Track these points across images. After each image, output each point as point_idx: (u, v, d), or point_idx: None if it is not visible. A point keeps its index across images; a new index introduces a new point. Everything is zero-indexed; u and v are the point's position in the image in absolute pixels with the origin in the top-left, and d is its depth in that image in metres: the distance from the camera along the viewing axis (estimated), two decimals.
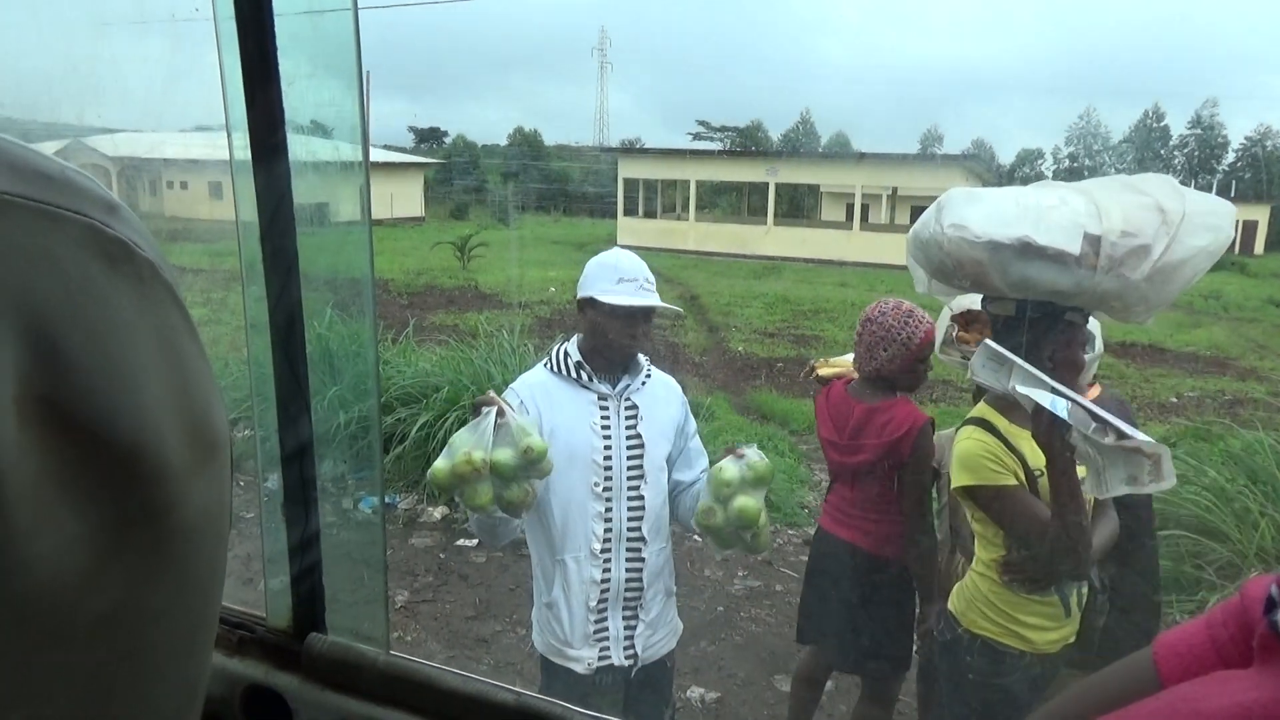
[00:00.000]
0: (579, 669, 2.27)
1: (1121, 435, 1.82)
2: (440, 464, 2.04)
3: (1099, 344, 2.62)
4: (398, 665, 0.95)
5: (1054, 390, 1.88)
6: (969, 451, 2.14)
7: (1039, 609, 2.17)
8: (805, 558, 3.38)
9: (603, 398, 2.28)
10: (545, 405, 2.23)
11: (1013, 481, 2.09)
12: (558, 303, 15.08)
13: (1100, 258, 1.98)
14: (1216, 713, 0.55)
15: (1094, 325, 2.64)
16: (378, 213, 30.46)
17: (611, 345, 2.26)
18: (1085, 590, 2.19)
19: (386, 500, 5.39)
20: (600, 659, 2.28)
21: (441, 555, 5.08)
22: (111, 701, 0.31)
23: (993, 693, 2.24)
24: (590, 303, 2.24)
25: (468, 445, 2.01)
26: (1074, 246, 1.99)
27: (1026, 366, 1.91)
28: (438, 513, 5.48)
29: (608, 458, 2.25)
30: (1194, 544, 4.49)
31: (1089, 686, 0.83)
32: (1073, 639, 2.21)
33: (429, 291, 15.76)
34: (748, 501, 2.11)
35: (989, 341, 1.97)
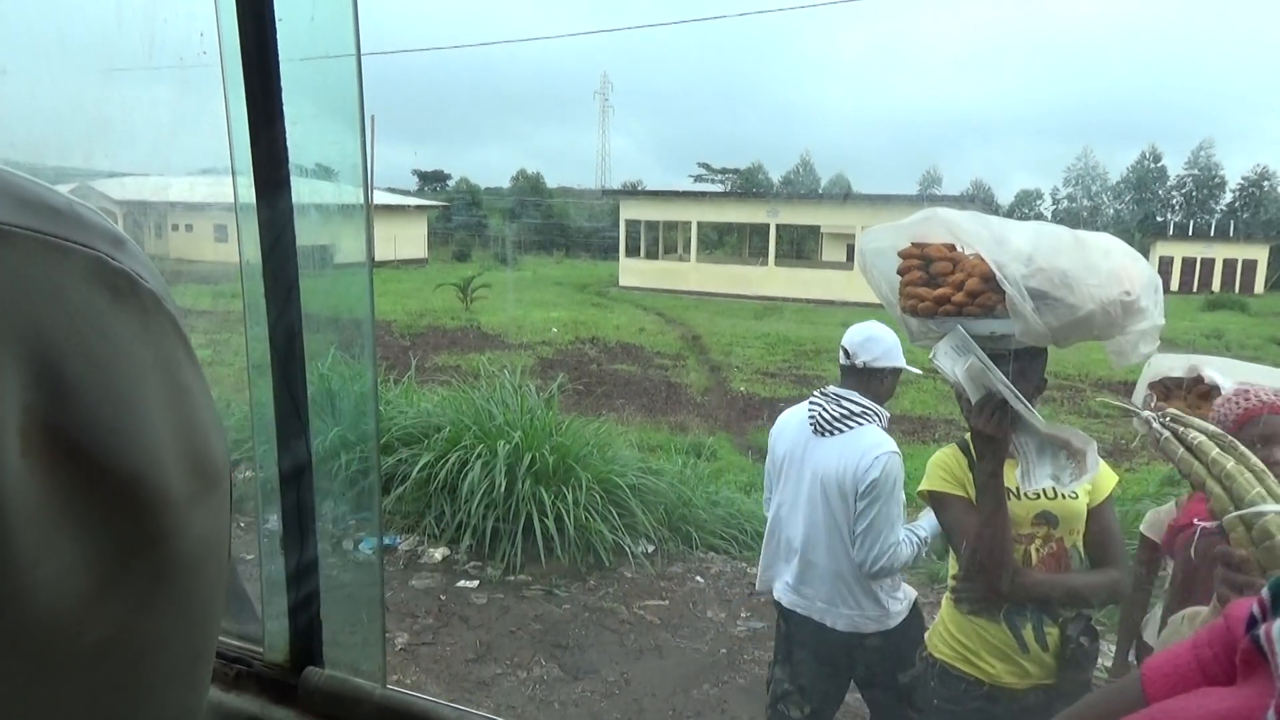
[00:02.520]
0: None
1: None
2: None
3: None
4: (394, 699, 0.95)
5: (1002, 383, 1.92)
6: (931, 460, 2.34)
7: (988, 636, 2.17)
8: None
9: None
10: None
11: (957, 492, 2.22)
12: (559, 343, 15.09)
13: None
14: None
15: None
16: (382, 254, 30.59)
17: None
18: (1050, 630, 2.14)
19: (387, 541, 5.35)
20: None
21: (442, 597, 5.04)
22: None
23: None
24: (897, 372, 2.80)
25: None
26: None
27: (984, 360, 1.92)
28: (438, 554, 5.43)
29: None
30: None
31: (1077, 711, 0.83)
32: (1050, 682, 2.15)
33: (431, 332, 15.78)
34: None
35: (960, 327, 1.96)
